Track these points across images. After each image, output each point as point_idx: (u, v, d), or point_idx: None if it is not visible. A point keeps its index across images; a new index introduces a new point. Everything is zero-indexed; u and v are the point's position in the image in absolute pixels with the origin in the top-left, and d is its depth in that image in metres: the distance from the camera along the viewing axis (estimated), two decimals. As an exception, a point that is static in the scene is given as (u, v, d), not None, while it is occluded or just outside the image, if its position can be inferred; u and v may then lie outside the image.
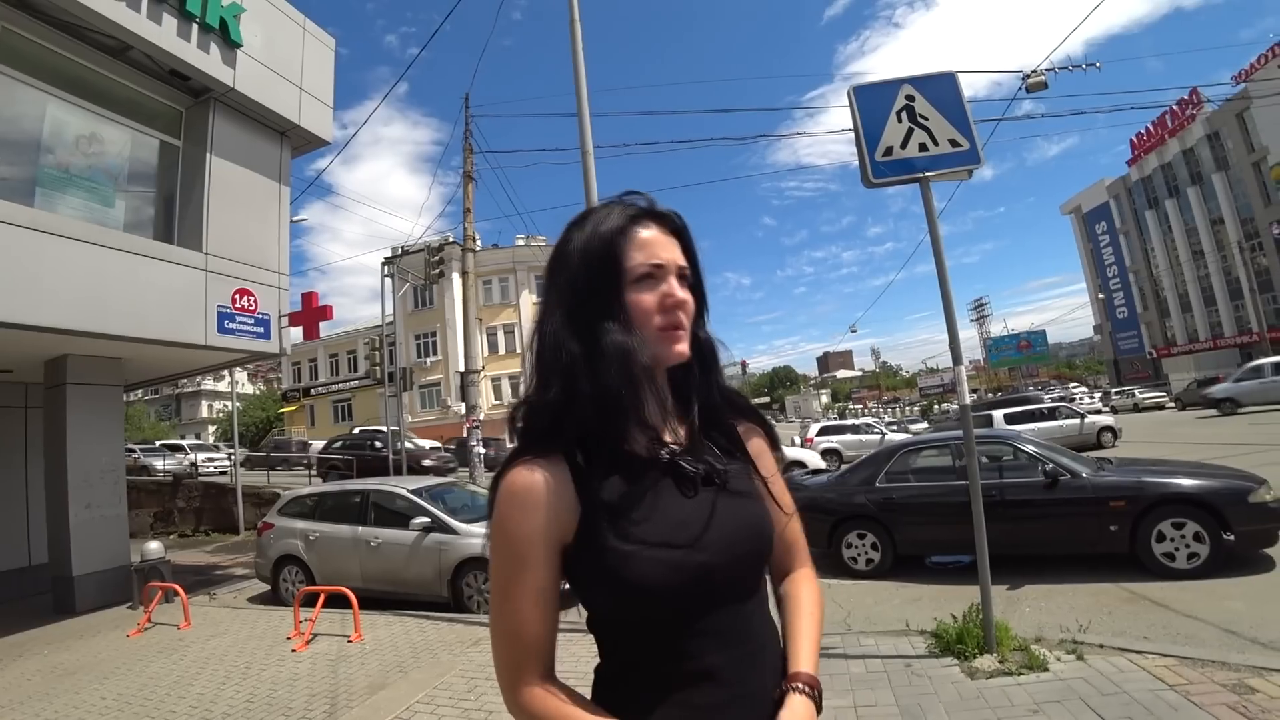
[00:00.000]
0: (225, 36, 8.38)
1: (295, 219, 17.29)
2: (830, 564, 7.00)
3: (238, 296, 8.68)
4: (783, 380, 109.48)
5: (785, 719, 0.87)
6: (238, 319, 8.67)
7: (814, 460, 15.87)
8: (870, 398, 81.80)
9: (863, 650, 4.39)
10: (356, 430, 25.98)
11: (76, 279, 6.83)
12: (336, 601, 6.25)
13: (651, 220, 0.96)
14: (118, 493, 8.74)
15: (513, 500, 0.86)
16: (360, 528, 7.65)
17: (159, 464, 23.11)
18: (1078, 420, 17.68)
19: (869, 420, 27.49)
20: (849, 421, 26.22)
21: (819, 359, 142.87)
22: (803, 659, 0.96)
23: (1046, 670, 3.74)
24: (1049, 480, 6.09)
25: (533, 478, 0.86)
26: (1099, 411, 22.48)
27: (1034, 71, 15.60)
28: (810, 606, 1.03)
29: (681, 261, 0.95)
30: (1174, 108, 49.10)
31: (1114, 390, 45.07)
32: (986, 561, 4.04)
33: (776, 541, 1.02)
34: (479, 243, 17.39)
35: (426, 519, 7.19)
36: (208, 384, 60.03)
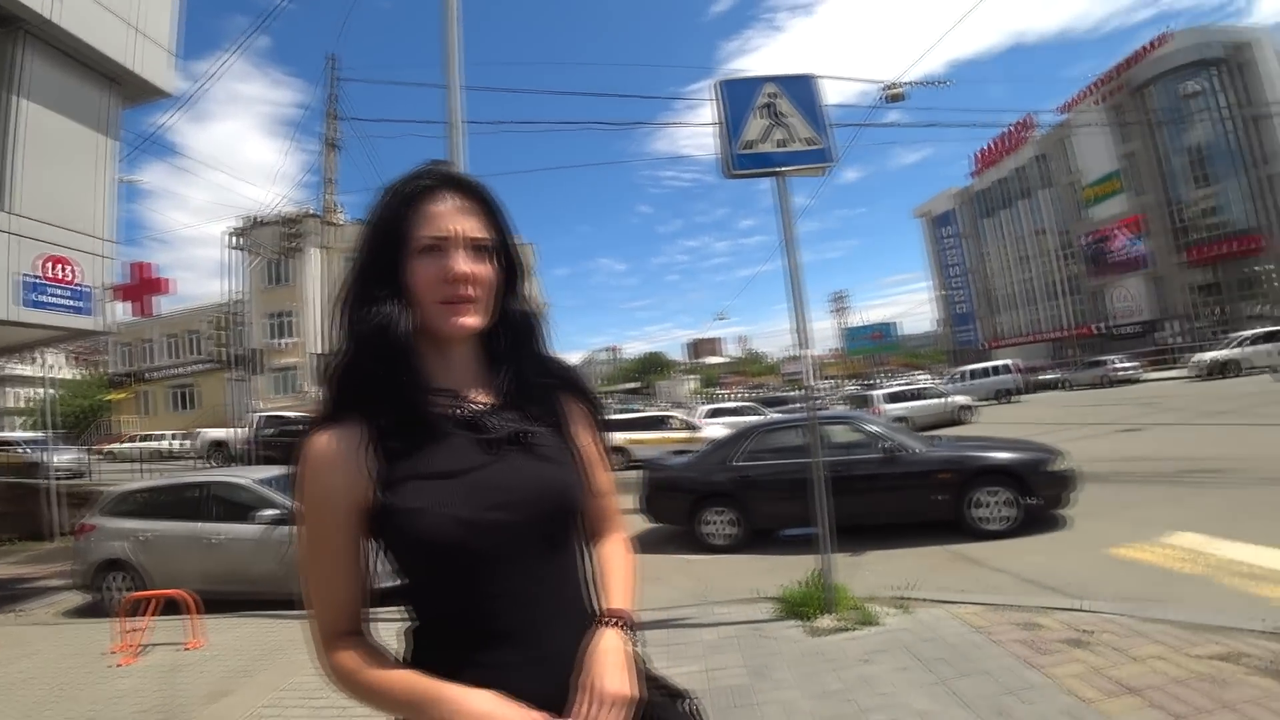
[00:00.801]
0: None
1: (128, 179, 15.37)
2: (690, 540, 7.28)
3: (49, 265, 7.61)
4: (654, 365, 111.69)
5: (589, 646, 0.91)
6: (49, 290, 7.61)
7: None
8: (737, 383, 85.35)
9: (716, 619, 4.61)
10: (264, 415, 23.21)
11: None
12: (173, 608, 5.68)
13: (447, 191, 0.95)
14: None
15: (308, 466, 0.88)
16: (200, 524, 6.99)
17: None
18: (943, 400, 21.00)
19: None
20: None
21: (689, 345, 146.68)
22: (613, 598, 1.01)
23: (878, 624, 4.12)
24: (887, 456, 6.69)
25: (327, 443, 0.88)
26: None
27: (893, 84, 16.90)
28: (621, 560, 1.09)
29: (477, 234, 0.95)
30: (1011, 129, 54.80)
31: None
32: (827, 531, 4.38)
33: (590, 509, 1.06)
34: (342, 216, 16.26)
35: (275, 510, 6.70)
36: (17, 368, 52.19)
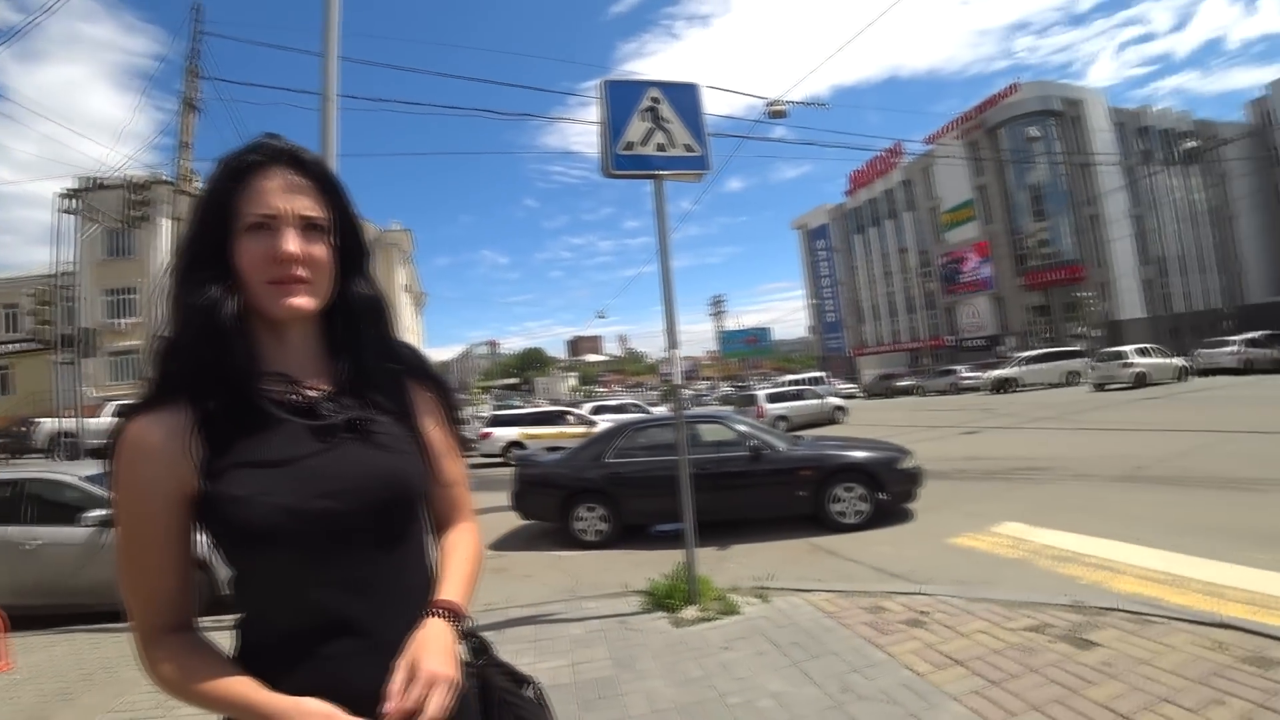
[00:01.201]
0: None
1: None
2: (562, 537, 7.29)
3: None
4: (533, 362, 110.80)
5: (414, 638, 0.88)
6: None
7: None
8: (615, 381, 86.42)
9: (583, 613, 4.63)
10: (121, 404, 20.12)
11: None
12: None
13: (279, 166, 0.90)
14: None
15: (124, 454, 0.84)
16: (10, 527, 6.09)
17: None
18: (820, 401, 23.17)
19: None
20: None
21: (569, 342, 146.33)
22: (445, 589, 0.98)
23: (739, 614, 4.29)
24: (753, 454, 7.01)
25: (146, 428, 0.84)
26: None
27: (777, 101, 17.71)
28: (463, 550, 1.06)
29: (309, 211, 0.90)
30: (883, 154, 58.93)
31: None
32: (691, 525, 4.52)
33: (438, 498, 1.04)
34: (199, 184, 14.76)
35: (106, 510, 5.93)
36: None
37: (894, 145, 52.89)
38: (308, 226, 0.90)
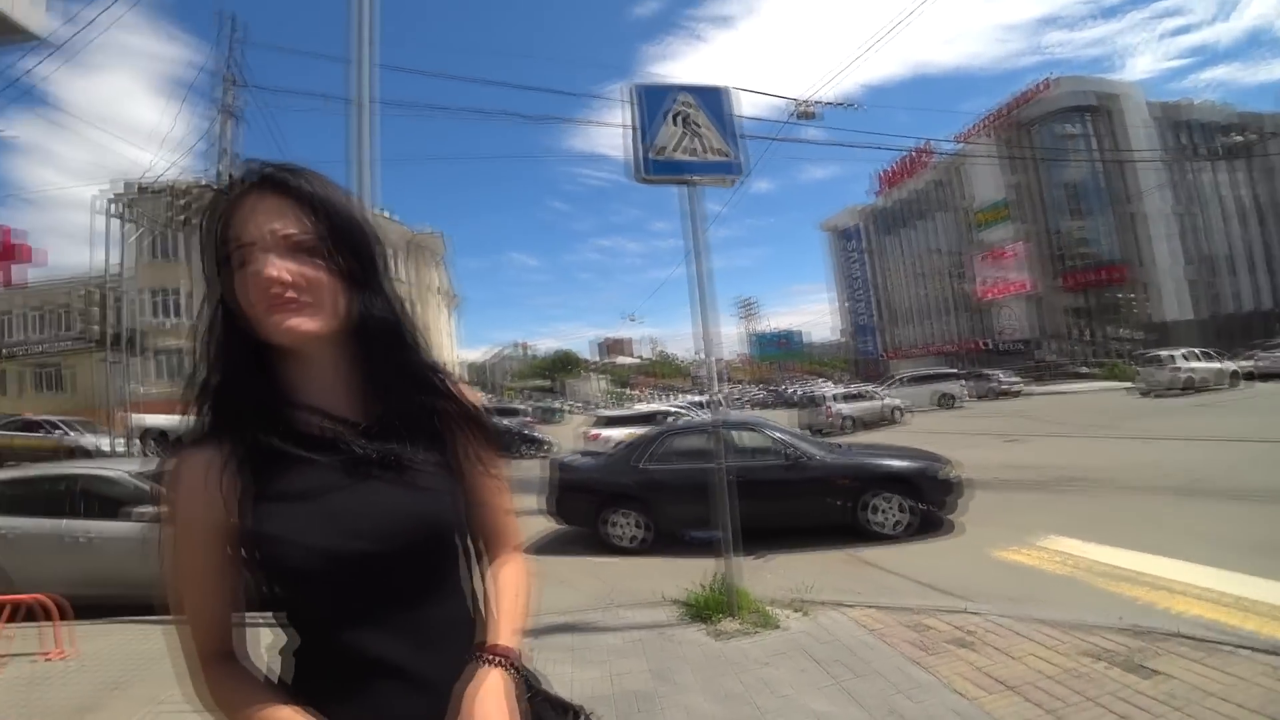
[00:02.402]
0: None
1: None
2: (596, 542, 7.27)
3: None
4: (565, 364, 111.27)
5: (469, 688, 0.85)
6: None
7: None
8: (647, 384, 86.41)
9: (621, 622, 4.60)
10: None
11: None
12: (30, 614, 5.08)
13: (254, 192, 0.87)
14: None
15: (170, 489, 0.87)
16: (66, 520, 6.32)
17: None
18: (880, 402, 24.81)
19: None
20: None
21: (600, 344, 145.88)
22: (496, 633, 0.94)
23: (778, 627, 4.22)
24: (789, 462, 6.92)
25: (189, 464, 0.86)
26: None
27: (805, 102, 17.54)
28: (511, 587, 1.02)
29: (290, 229, 0.85)
30: (913, 154, 58.03)
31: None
32: (729, 535, 4.46)
33: (479, 529, 1.01)
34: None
35: (154, 507, 6.13)
36: None
37: (924, 144, 52.09)
38: (295, 247, 0.86)
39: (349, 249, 0.90)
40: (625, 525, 7.18)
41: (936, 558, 5.96)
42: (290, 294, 0.84)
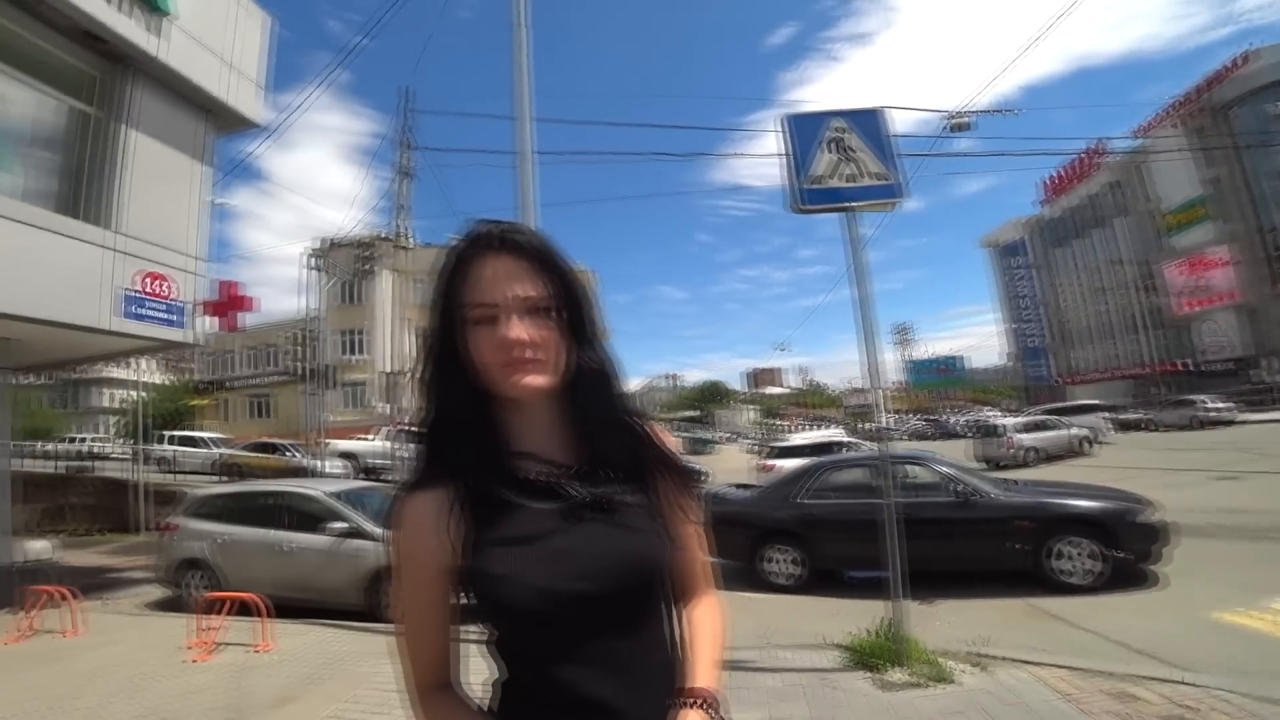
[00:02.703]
0: (152, 2, 7.87)
1: (220, 201, 16.37)
2: (751, 578, 7.10)
3: (148, 280, 8.10)
4: (714, 394, 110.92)
5: None
6: (147, 304, 8.09)
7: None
8: (797, 415, 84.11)
9: (780, 664, 4.46)
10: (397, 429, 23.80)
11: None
12: (243, 609, 5.90)
13: (493, 253, 0.93)
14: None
15: (398, 529, 0.93)
16: (273, 531, 7.28)
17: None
18: (1066, 431, 22.10)
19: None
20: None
21: (749, 375, 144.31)
22: (696, 676, 0.97)
23: (953, 682, 3.90)
24: (959, 500, 6.39)
25: (416, 506, 0.92)
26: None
27: (958, 113, 16.52)
28: (708, 629, 1.05)
29: (528, 292, 0.92)
30: (1082, 156, 52.73)
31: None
32: (899, 577, 4.19)
33: (676, 571, 1.02)
34: (413, 241, 16.86)
35: (344, 524, 6.90)
36: (111, 371, 55.75)
37: (1095, 144, 46.99)
38: (531, 309, 0.92)
39: (573, 307, 0.97)
40: (783, 562, 6.99)
41: (1137, 615, 5.24)
42: (528, 353, 0.91)
